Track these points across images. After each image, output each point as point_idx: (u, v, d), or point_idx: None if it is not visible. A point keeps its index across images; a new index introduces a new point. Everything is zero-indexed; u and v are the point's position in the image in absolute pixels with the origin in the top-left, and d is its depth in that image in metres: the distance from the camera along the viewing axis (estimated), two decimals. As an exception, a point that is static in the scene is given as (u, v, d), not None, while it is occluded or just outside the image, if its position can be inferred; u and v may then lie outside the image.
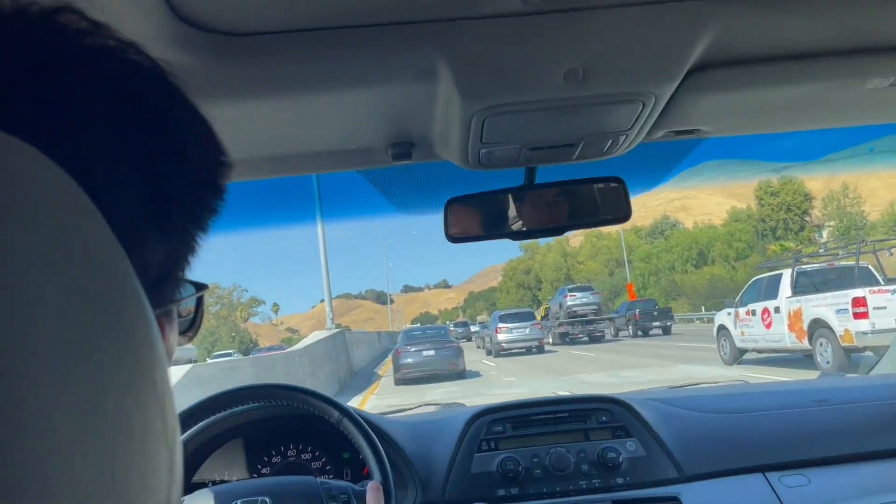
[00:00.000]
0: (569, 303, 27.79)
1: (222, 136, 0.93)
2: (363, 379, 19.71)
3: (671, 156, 1.38)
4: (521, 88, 0.95)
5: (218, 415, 1.41)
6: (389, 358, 20.98)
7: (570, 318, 27.08)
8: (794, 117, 1.22)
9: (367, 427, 1.28)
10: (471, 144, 1.10)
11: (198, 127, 0.42)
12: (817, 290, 10.78)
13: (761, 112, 1.17)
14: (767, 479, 1.44)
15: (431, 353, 16.43)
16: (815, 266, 11.92)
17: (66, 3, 0.34)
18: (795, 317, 10.96)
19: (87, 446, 0.24)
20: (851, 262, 11.26)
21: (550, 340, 26.71)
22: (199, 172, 0.42)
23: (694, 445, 1.49)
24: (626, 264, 58.53)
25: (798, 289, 11.15)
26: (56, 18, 0.33)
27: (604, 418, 1.53)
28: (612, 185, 1.29)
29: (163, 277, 0.42)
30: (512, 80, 0.93)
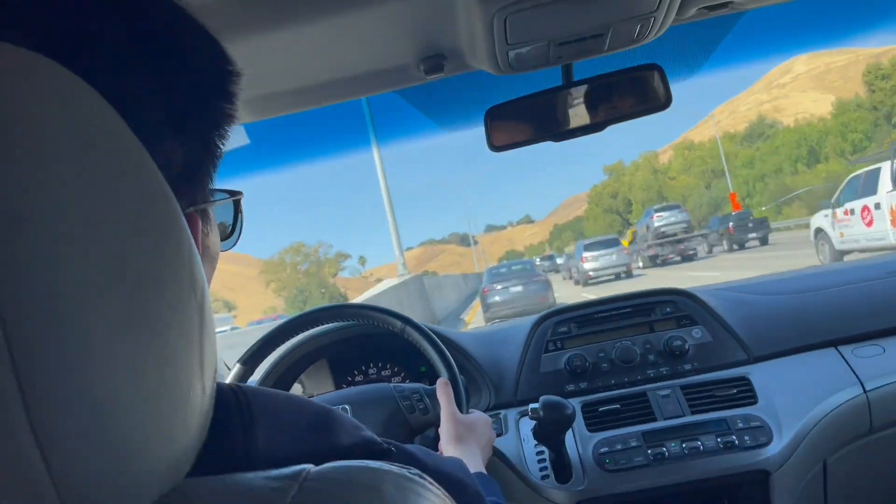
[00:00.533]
0: (656, 224, 26.98)
1: (254, 69, 1.04)
2: (448, 327, 19.54)
3: (711, 35, 1.36)
4: None
5: (297, 338, 1.55)
6: (477, 301, 20.91)
7: (658, 239, 26.30)
8: None
9: (430, 331, 1.37)
10: (498, 48, 1.13)
11: (203, 42, 0.50)
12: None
13: None
14: (840, 353, 1.45)
15: (519, 288, 16.45)
16: None
17: None
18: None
19: (117, 290, 0.31)
20: None
21: (641, 264, 26.35)
22: (207, 80, 0.50)
23: (762, 327, 1.52)
24: (727, 173, 53.05)
25: None
26: None
27: (668, 309, 1.57)
28: (650, 72, 1.30)
29: (188, 177, 0.50)
30: None
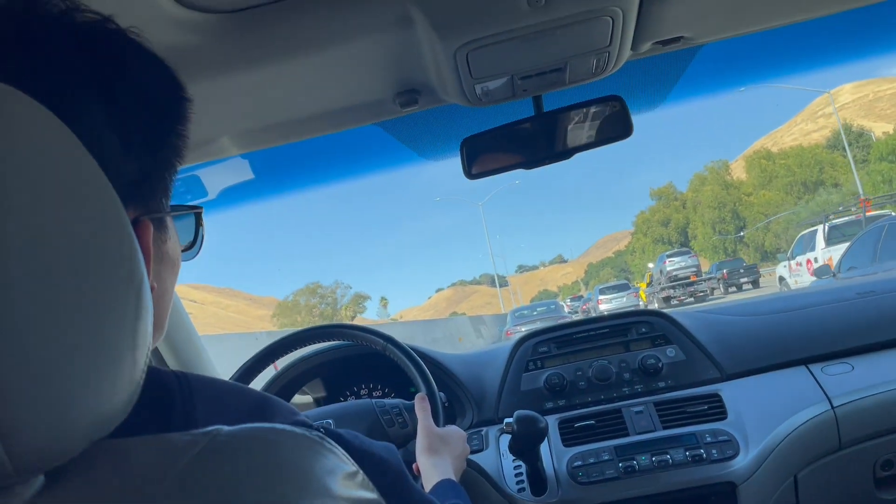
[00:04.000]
0: (668, 268, 31.19)
1: (237, 106, 1.19)
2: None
3: (671, 69, 1.48)
4: (490, 20, 1.08)
5: (289, 360, 1.67)
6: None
7: (671, 282, 29.70)
8: (777, 10, 1.28)
9: (410, 350, 1.47)
10: (464, 82, 1.26)
11: (153, 68, 0.61)
12: (847, 240, 12.19)
13: (738, 9, 1.25)
14: (810, 371, 1.52)
15: (542, 331, 16.41)
16: (846, 219, 15.00)
17: None
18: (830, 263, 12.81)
19: (60, 274, 0.39)
20: (881, 212, 14.24)
21: (656, 305, 27.32)
22: (156, 103, 0.61)
23: (734, 346, 1.60)
24: (855, 175, 37.33)
25: (831, 241, 13.73)
26: (41, 3, 0.53)
27: (643, 330, 1.66)
28: (612, 103, 1.41)
29: (140, 188, 0.59)
30: (479, 13, 1.06)
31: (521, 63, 1.24)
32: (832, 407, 1.43)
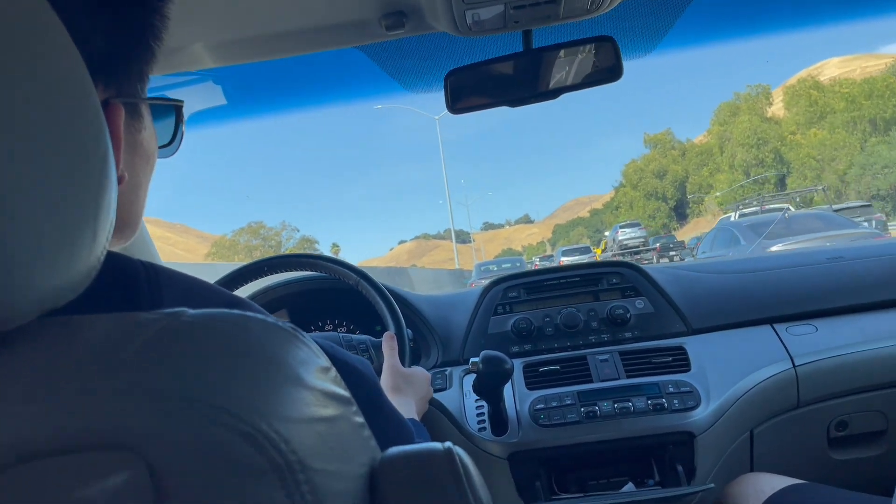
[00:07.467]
0: (620, 237, 37.37)
1: (212, 11, 1.13)
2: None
3: (665, 16, 1.46)
4: None
5: (256, 287, 1.64)
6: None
7: (621, 250, 35.40)
8: None
9: (383, 287, 1.47)
10: (455, 7, 1.22)
11: None
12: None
13: None
14: (774, 330, 1.56)
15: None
16: (752, 209, 17.71)
17: None
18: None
19: (15, 132, 0.36)
20: (780, 205, 16.62)
21: None
22: None
23: (702, 302, 1.62)
24: None
25: None
26: None
27: (614, 280, 1.67)
28: (604, 43, 1.39)
29: (110, 65, 0.56)
30: None
31: None
32: (794, 366, 1.47)
